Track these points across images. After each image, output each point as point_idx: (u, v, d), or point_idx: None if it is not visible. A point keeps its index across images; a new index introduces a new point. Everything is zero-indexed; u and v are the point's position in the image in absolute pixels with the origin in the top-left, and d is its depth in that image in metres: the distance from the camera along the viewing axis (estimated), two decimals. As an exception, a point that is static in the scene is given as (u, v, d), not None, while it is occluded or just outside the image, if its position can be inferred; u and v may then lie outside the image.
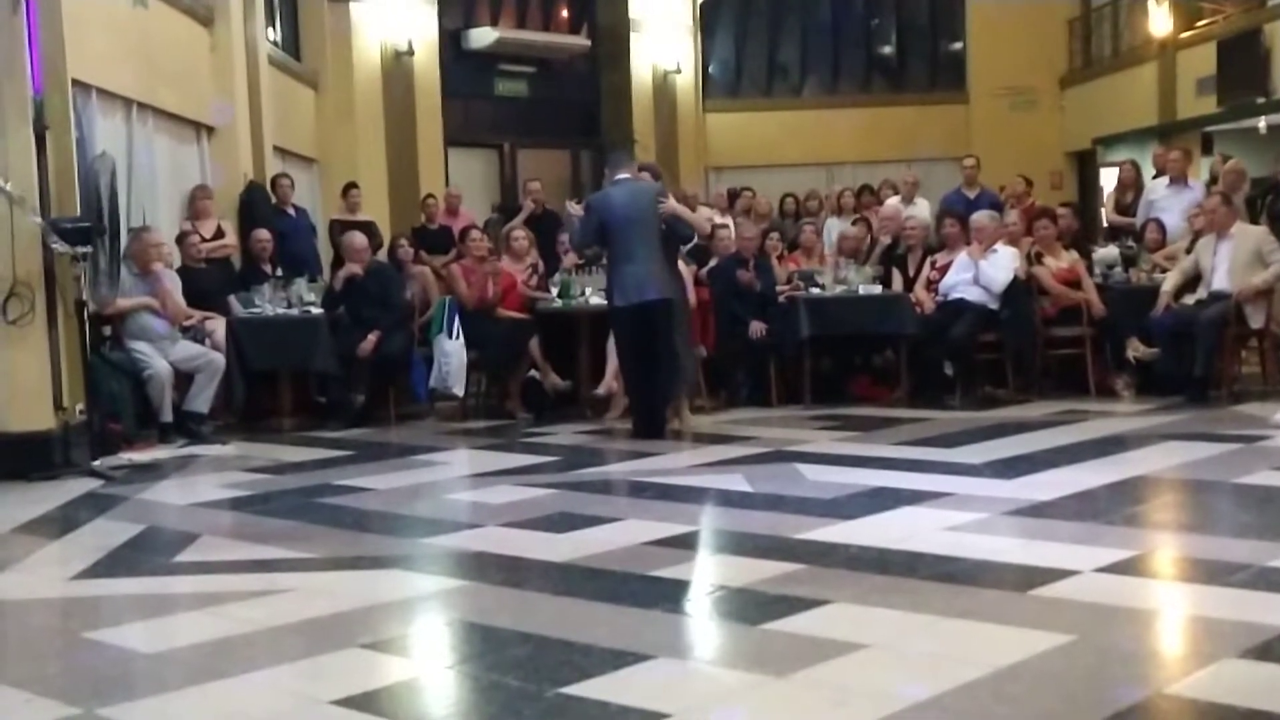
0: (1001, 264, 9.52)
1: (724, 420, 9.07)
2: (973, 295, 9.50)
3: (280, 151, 12.42)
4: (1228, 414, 8.49)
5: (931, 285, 9.89)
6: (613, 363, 9.25)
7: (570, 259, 10.36)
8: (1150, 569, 4.90)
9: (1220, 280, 9.14)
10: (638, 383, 8.28)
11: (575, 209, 8.90)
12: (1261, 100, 15.30)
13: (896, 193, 13.00)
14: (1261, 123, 16.09)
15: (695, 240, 9.25)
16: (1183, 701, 3.40)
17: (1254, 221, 10.08)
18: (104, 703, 3.61)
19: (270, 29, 12.79)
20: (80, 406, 7.68)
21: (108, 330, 8.65)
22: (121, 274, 8.58)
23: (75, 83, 8.05)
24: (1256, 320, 9.08)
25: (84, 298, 7.71)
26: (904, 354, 9.86)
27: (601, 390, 9.31)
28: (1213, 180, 11.60)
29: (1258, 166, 12.94)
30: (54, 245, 7.37)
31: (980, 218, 9.95)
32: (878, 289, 9.92)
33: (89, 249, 7.53)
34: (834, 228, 12.36)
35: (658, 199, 8.25)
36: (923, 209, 12.40)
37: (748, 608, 4.35)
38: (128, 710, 3.56)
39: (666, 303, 8.10)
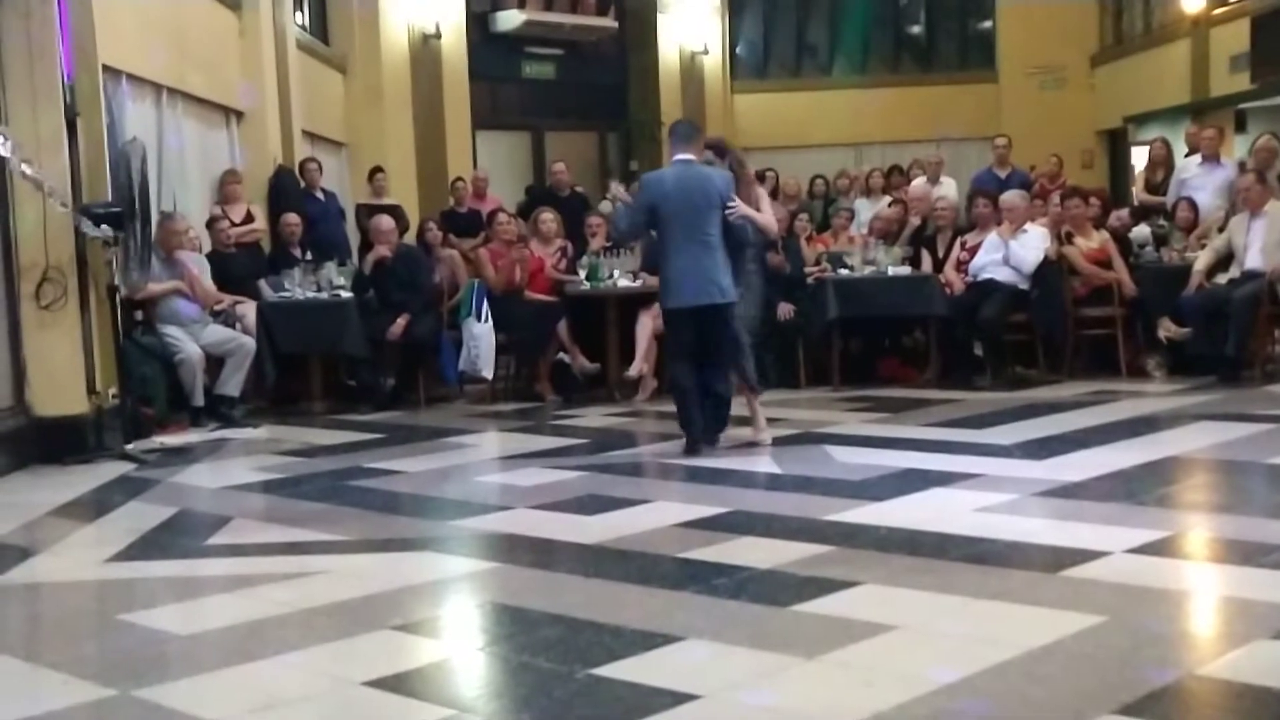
0: (1032, 244, 9.47)
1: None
2: (1003, 275, 9.45)
3: (309, 135, 12.46)
4: (1260, 394, 8.44)
5: (961, 266, 9.84)
6: (642, 345, 9.26)
7: (598, 241, 10.36)
8: (1182, 550, 4.87)
9: (1253, 259, 9.07)
10: (684, 391, 7.15)
11: (620, 193, 7.50)
12: (1296, 77, 15.13)
13: (924, 172, 12.94)
14: (1296, 100, 15.90)
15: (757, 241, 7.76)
16: (1215, 682, 3.39)
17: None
18: (139, 684, 3.65)
19: (298, 13, 12.82)
20: (113, 390, 7.75)
21: (139, 315, 8.72)
22: (151, 259, 8.64)
23: (106, 68, 8.10)
24: (1290, 299, 9.01)
25: (115, 282, 7.77)
26: (933, 335, 9.85)
27: (631, 372, 9.31)
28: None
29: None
30: (85, 230, 7.42)
31: (1011, 197, 9.90)
32: (906, 270, 9.88)
33: (120, 234, 7.58)
34: (863, 208, 12.33)
35: (726, 197, 7.07)
36: (949, 188, 12.36)
37: (777, 589, 4.35)
38: (162, 692, 3.59)
39: (720, 309, 7.04)
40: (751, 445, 7.14)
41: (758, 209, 7.42)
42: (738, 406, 7.34)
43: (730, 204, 7.07)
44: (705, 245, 6.99)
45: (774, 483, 6.29)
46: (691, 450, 7.04)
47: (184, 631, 4.28)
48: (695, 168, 7.15)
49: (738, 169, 7.47)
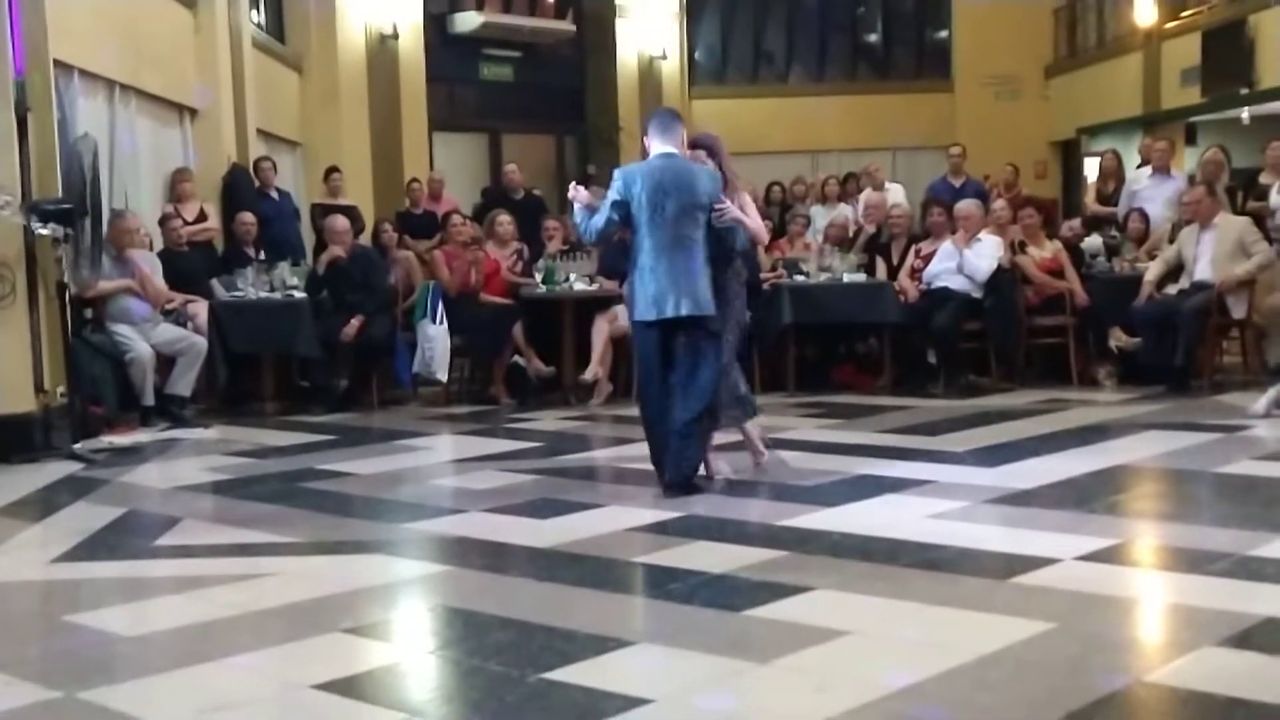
0: (985, 253, 9.53)
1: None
2: (957, 284, 9.51)
3: (263, 135, 12.38)
4: (1209, 403, 8.52)
5: (916, 274, 9.90)
6: (598, 348, 9.25)
7: (554, 244, 10.34)
8: (1131, 557, 4.92)
9: (1203, 270, 9.17)
10: (654, 418, 6.18)
11: (581, 194, 6.31)
12: (1245, 91, 15.35)
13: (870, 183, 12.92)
14: (1245, 114, 16.13)
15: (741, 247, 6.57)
16: (1163, 689, 3.41)
17: (1237, 212, 10.10)
18: (84, 686, 3.60)
19: (254, 11, 12.74)
20: (61, 389, 7.66)
21: (89, 313, 8.63)
22: (102, 257, 8.55)
23: (57, 64, 8.01)
24: (1238, 310, 9.13)
25: (65, 280, 7.68)
26: (887, 342, 9.90)
27: (587, 376, 9.30)
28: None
29: (1241, 157, 12.97)
30: (34, 228, 7.33)
31: (965, 206, 9.96)
32: (862, 277, 9.92)
33: (70, 231, 7.50)
34: (819, 215, 12.37)
35: (715, 199, 6.13)
36: (897, 193, 12.42)
37: (730, 594, 4.35)
38: (108, 693, 3.55)
39: (698, 323, 6.07)
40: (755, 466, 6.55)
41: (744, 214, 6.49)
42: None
43: (719, 205, 6.14)
44: (685, 250, 6.04)
45: (728, 488, 6.29)
46: (670, 492, 6.02)
47: (131, 633, 4.23)
48: (679, 161, 6.16)
49: (726, 171, 6.48)
